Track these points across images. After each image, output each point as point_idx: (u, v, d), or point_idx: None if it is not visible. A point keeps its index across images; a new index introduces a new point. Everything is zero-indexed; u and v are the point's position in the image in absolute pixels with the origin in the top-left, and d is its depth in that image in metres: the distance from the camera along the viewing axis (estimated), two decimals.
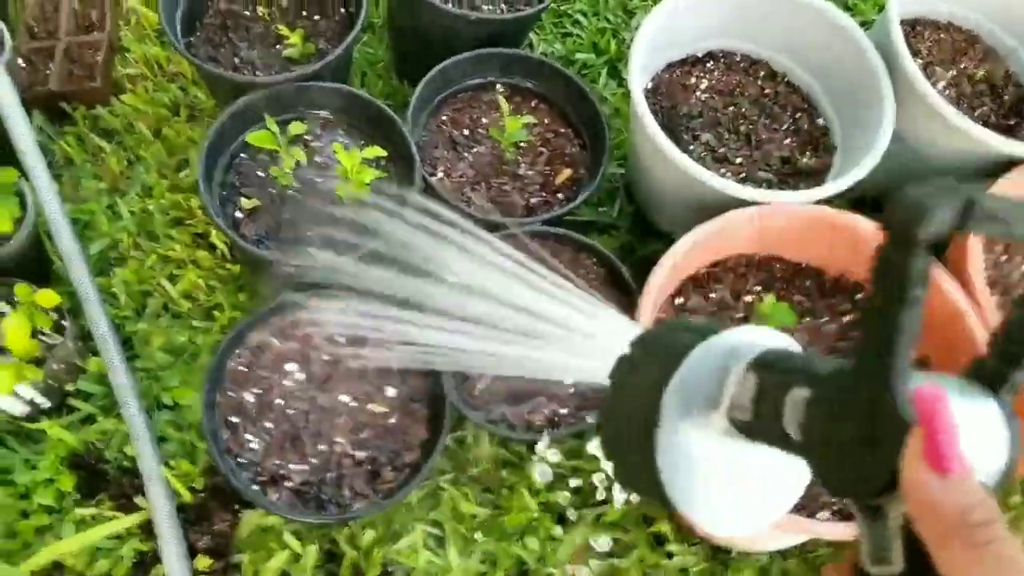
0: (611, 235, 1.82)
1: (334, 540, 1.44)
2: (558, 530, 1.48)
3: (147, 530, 1.42)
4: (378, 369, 1.41)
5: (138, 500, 1.44)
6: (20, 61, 1.85)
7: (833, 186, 1.49)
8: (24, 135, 1.56)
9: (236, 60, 1.74)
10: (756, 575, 1.50)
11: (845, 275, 1.54)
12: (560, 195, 1.67)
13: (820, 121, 1.75)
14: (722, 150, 1.69)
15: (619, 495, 1.46)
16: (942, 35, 1.85)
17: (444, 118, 1.74)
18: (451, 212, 0.70)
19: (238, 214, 1.54)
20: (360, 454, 1.35)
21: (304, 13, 1.83)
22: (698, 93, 1.77)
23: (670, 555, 1.49)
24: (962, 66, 1.81)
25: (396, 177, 1.61)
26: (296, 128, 1.54)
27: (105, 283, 1.63)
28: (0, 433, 1.47)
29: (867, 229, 1.46)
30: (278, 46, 1.75)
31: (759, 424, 0.54)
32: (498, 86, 1.79)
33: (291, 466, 1.33)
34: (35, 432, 1.48)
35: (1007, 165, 1.57)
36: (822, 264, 1.56)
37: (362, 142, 1.64)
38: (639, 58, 1.58)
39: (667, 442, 0.56)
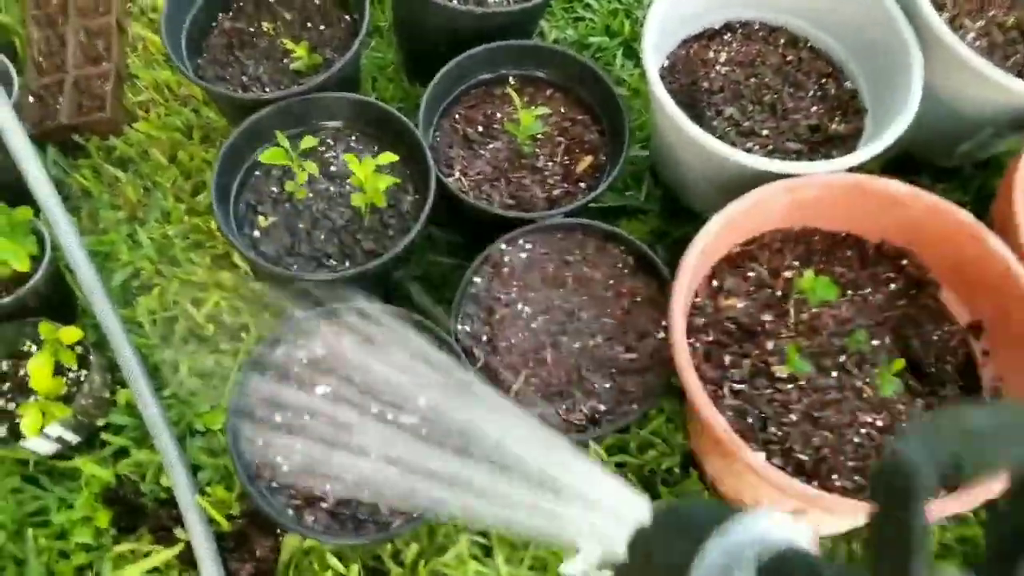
0: (641, 220, 1.77)
1: (378, 556, 1.40)
2: None
3: (188, 560, 1.40)
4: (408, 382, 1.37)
5: (177, 531, 1.41)
6: (30, 98, 1.84)
7: (866, 151, 1.43)
8: (36, 174, 1.54)
9: (244, 78, 1.71)
10: None
11: (886, 241, 1.47)
12: (582, 184, 1.62)
13: (848, 84, 1.69)
14: (747, 123, 1.63)
15: None
16: None
17: (457, 116, 1.70)
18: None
19: (256, 233, 1.51)
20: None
21: (309, 24, 1.80)
22: (718, 67, 1.71)
23: None
24: (991, 14, 1.73)
25: (411, 180, 1.57)
26: (307, 142, 1.51)
27: (130, 313, 1.61)
28: (32, 473, 1.46)
29: (901, 191, 1.39)
30: (285, 60, 1.73)
31: None
32: (510, 79, 1.74)
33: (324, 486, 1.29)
34: (68, 470, 1.46)
35: None
36: (861, 232, 1.49)
37: (376, 148, 1.61)
38: (652, 38, 1.53)
39: None
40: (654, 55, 1.53)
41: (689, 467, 1.50)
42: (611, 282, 1.50)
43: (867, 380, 1.32)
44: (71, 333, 1.42)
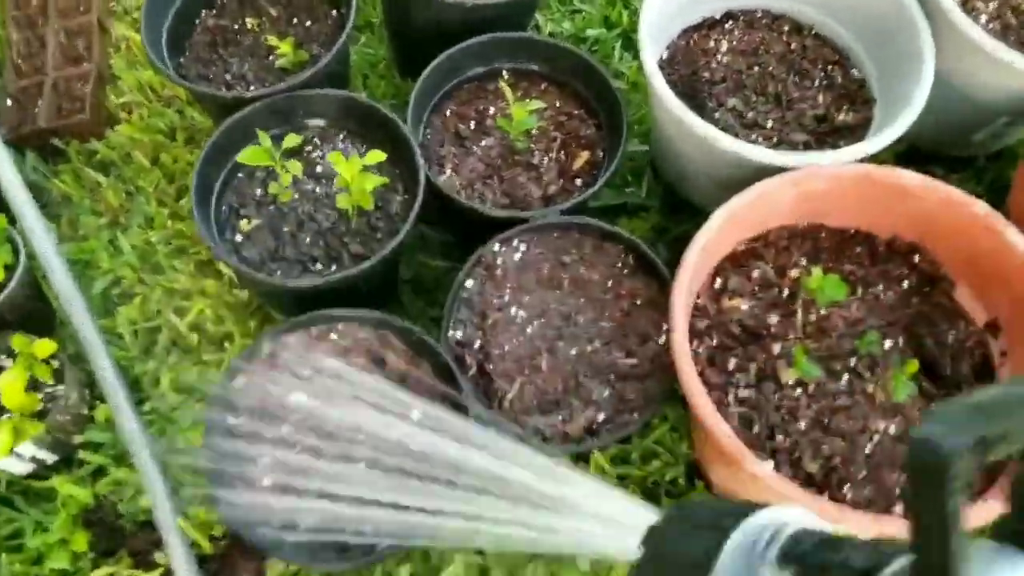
0: (642, 217, 1.70)
1: None
2: None
3: None
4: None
5: (157, 555, 1.35)
6: (8, 101, 1.78)
7: (875, 142, 1.36)
8: (9, 178, 1.47)
9: (228, 76, 1.66)
10: None
11: (897, 236, 1.40)
12: (579, 181, 1.56)
13: (855, 73, 1.62)
14: (751, 114, 1.56)
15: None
16: None
17: (449, 112, 1.64)
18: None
19: (238, 237, 1.45)
20: None
21: (295, 20, 1.74)
22: (719, 56, 1.64)
23: None
24: None
25: (401, 180, 1.50)
26: (290, 140, 1.45)
27: (110, 324, 1.55)
28: (6, 494, 1.40)
29: (914, 183, 1.32)
30: (271, 57, 1.67)
31: None
32: (503, 73, 1.68)
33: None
34: (44, 490, 1.40)
35: None
36: (871, 227, 1.42)
37: (364, 147, 1.55)
38: (649, 29, 1.47)
39: None
40: (652, 45, 1.46)
41: (694, 478, 1.43)
42: (609, 283, 1.43)
43: (879, 384, 1.25)
44: (45, 346, 1.37)
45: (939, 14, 1.44)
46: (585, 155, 1.58)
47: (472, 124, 1.62)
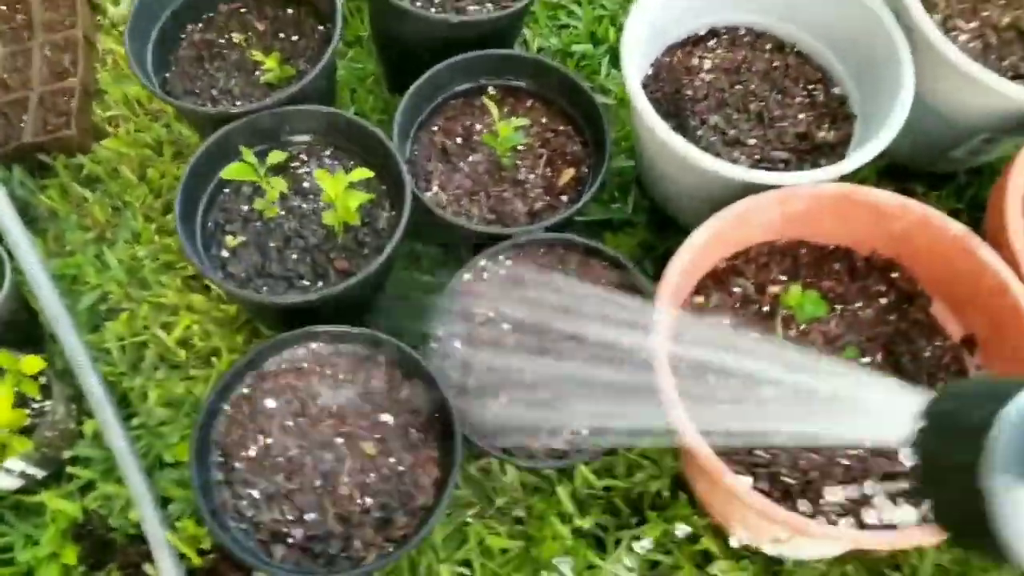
0: (628, 233, 1.72)
1: None
2: (596, 557, 1.39)
3: None
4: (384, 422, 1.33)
5: (147, 567, 1.36)
6: None
7: (853, 160, 1.38)
8: None
9: (214, 91, 1.66)
10: None
11: (875, 253, 1.42)
12: (564, 197, 1.57)
13: (836, 90, 1.64)
14: (733, 132, 1.58)
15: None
16: None
17: (435, 128, 1.65)
18: None
19: (224, 253, 1.46)
20: (368, 501, 1.26)
21: (281, 35, 1.74)
22: (702, 74, 1.66)
23: (719, 574, 1.38)
24: (985, 15, 1.68)
25: (388, 196, 1.52)
26: (274, 157, 1.45)
27: (97, 339, 1.56)
28: None
29: (891, 203, 1.34)
30: (257, 72, 1.67)
31: None
32: (489, 89, 1.69)
33: (293, 519, 1.24)
34: (33, 505, 1.41)
35: None
36: (850, 244, 1.44)
37: (351, 163, 1.56)
38: (632, 47, 1.48)
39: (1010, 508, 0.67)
40: (635, 64, 1.48)
41: (678, 490, 1.45)
42: (595, 299, 1.44)
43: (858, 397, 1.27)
44: (33, 363, 1.37)
45: (918, 34, 1.45)
46: (571, 172, 1.59)
47: (459, 140, 1.64)
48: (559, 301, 1.41)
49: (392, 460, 1.29)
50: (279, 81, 1.65)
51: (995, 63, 1.61)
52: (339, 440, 1.30)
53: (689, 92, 1.63)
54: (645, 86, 1.62)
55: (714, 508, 1.36)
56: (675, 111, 1.60)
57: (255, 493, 1.25)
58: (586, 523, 1.40)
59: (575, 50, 1.96)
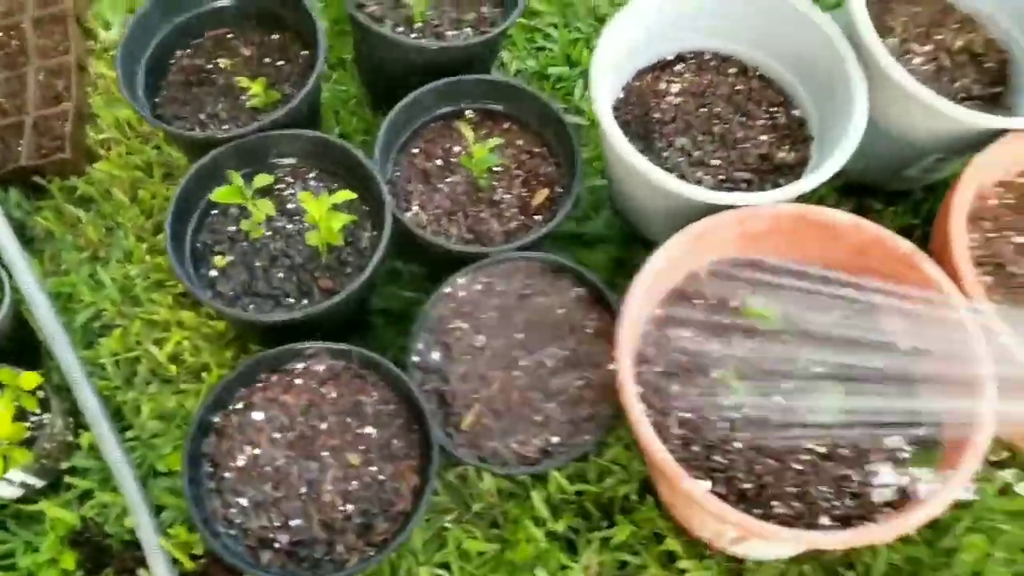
0: (601, 249, 1.80)
1: None
2: (568, 559, 1.46)
3: None
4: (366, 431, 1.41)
5: (142, 572, 1.43)
6: None
7: (808, 181, 1.46)
8: None
9: (202, 116, 1.72)
10: None
11: (831, 269, 1.50)
12: (538, 217, 1.65)
13: (796, 112, 1.71)
14: (698, 153, 1.65)
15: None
16: (916, 8, 1.79)
17: (416, 151, 1.72)
18: None
19: (212, 272, 1.53)
20: (350, 508, 1.33)
21: (267, 60, 1.81)
22: (669, 97, 1.73)
23: (683, 572, 1.46)
24: (939, 38, 1.76)
25: (370, 216, 1.58)
26: (260, 180, 1.52)
27: (92, 355, 1.63)
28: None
29: (844, 223, 1.42)
30: (243, 97, 1.73)
31: None
32: (467, 112, 1.77)
33: (279, 525, 1.32)
34: (33, 513, 1.48)
35: (993, 135, 1.53)
36: (809, 261, 1.51)
37: (335, 185, 1.62)
38: (602, 71, 1.54)
39: None
40: (604, 87, 1.54)
41: (646, 494, 1.52)
42: (564, 313, 1.52)
43: (809, 406, 1.35)
44: (31, 378, 1.44)
45: (871, 60, 1.52)
46: (545, 192, 1.67)
47: (438, 162, 1.71)
48: (529, 317, 1.49)
49: (373, 469, 1.37)
50: (265, 106, 1.71)
51: (948, 85, 1.69)
52: (323, 451, 1.38)
53: (657, 115, 1.70)
54: (616, 109, 1.69)
55: (677, 510, 1.44)
56: (644, 133, 1.68)
57: (243, 501, 1.33)
58: (559, 526, 1.47)
59: (551, 72, 2.03)
